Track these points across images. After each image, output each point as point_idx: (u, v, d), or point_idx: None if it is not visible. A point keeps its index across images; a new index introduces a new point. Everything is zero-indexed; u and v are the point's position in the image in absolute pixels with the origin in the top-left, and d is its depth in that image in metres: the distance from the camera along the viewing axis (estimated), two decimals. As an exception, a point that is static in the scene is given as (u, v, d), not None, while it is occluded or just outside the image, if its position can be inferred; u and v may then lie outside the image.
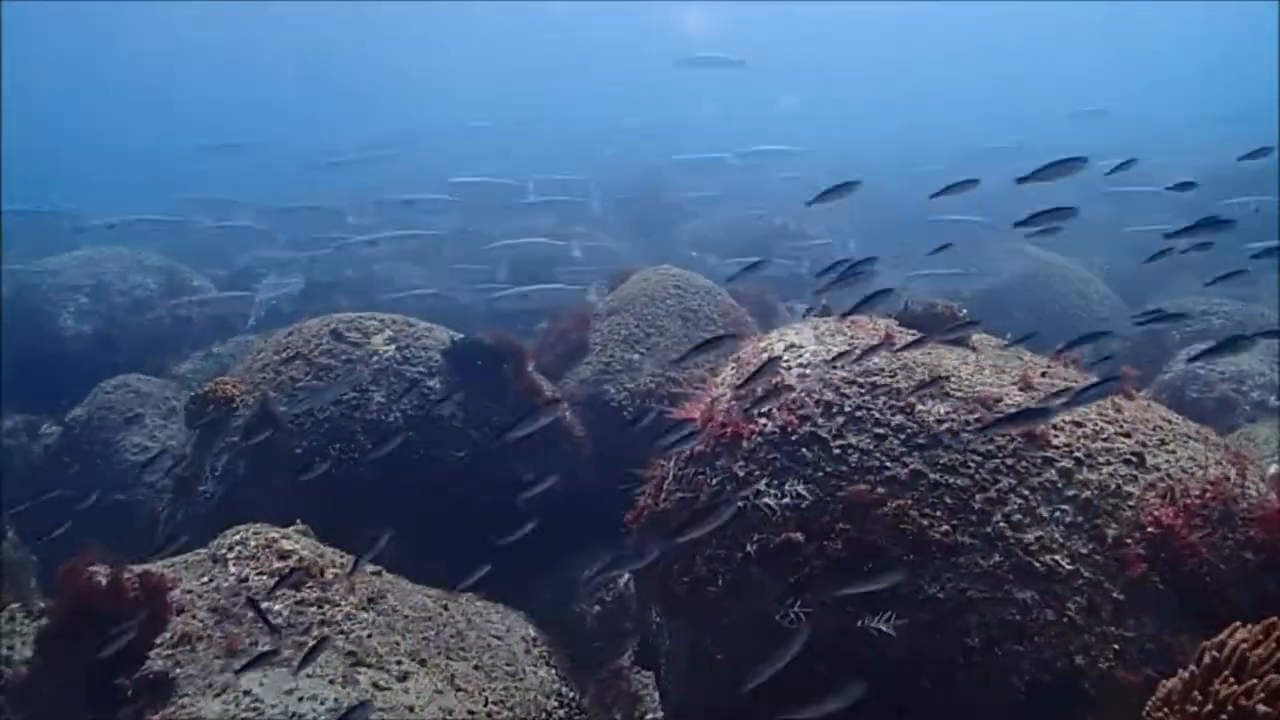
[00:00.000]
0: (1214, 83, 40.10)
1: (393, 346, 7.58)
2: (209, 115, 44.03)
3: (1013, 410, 4.25)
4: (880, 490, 4.08)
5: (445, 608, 5.66)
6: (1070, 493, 4.08)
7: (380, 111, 46.19)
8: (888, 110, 39.90)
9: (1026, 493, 4.07)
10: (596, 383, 8.52)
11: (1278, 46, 32.78)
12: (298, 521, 5.92)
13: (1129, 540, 3.96)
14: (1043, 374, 4.83)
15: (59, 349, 12.11)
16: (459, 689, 4.98)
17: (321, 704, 4.48)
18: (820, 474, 4.20)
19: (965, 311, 5.41)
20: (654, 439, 5.09)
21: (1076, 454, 4.20)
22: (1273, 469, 4.75)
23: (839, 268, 5.44)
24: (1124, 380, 5.04)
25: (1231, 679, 2.74)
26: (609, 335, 8.95)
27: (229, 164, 26.32)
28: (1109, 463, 4.20)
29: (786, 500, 4.17)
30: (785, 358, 4.72)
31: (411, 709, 4.68)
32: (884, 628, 3.84)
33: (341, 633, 5.03)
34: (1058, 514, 4.03)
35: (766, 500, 4.20)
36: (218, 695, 4.55)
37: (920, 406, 4.34)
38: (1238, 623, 2.98)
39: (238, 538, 5.52)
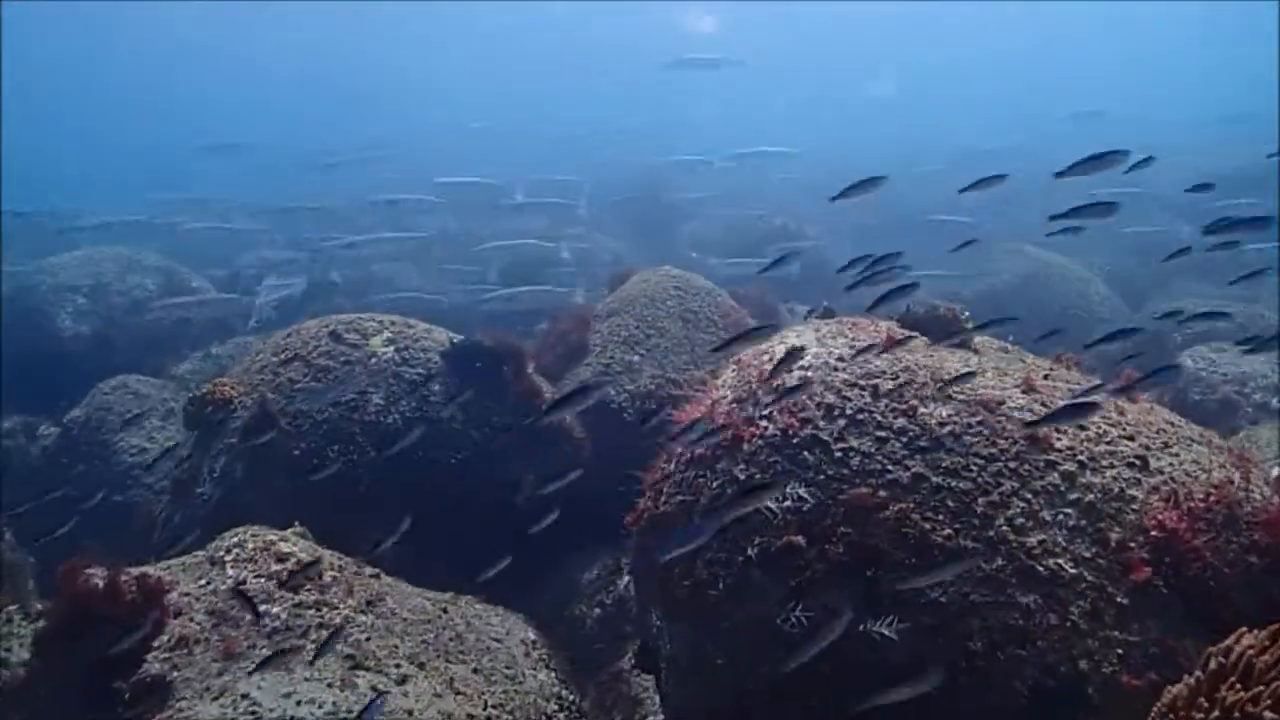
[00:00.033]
0: (1214, 83, 40.10)
1: (392, 348, 7.55)
2: (209, 115, 44.08)
3: (1066, 403, 4.23)
4: (882, 494, 4.05)
5: (444, 610, 5.63)
6: (1073, 496, 4.06)
7: (380, 111, 46.24)
8: (888, 110, 39.91)
9: (1029, 496, 4.05)
10: (596, 384, 8.49)
11: (1278, 46, 32.79)
12: (296, 523, 5.89)
13: (1132, 544, 3.93)
14: (1045, 376, 4.80)
15: (57, 349, 12.09)
16: (458, 692, 4.96)
17: (320, 707, 4.45)
18: (822, 477, 4.17)
19: (967, 313, 5.38)
20: (655, 441, 5.08)
21: (1080, 457, 4.18)
22: (1276, 472, 4.73)
23: (860, 264, 5.40)
24: (1126, 381, 5.03)
25: (1238, 685, 2.72)
26: (609, 337, 8.93)
27: (228, 164, 26.31)
28: (1112, 466, 4.18)
29: (788, 503, 4.14)
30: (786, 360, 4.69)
31: (410, 713, 4.65)
32: (886, 631, 3.81)
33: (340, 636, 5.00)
34: (1061, 517, 4.00)
35: (768, 503, 4.17)
36: (215, 699, 4.52)
37: (922, 409, 4.31)
38: (1244, 628, 2.95)
39: (235, 540, 5.49)
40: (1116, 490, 4.09)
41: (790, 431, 4.34)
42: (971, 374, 4.49)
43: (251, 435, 6.97)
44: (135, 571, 5.14)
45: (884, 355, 4.62)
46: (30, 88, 46.98)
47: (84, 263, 13.22)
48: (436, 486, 7.00)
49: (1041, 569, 3.86)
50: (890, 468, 4.13)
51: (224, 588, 5.12)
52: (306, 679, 4.65)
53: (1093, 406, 4.17)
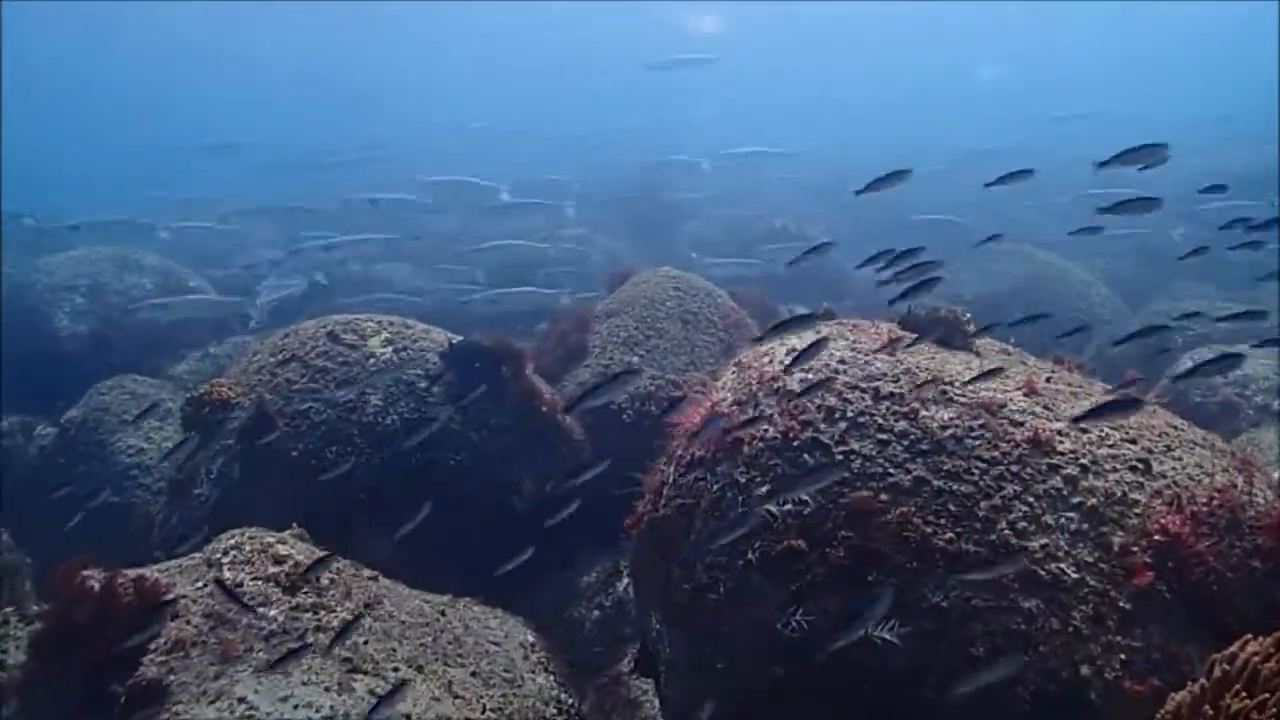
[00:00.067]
0: (1213, 83, 40.09)
1: (390, 349, 7.52)
2: (209, 115, 44.06)
3: (1110, 399, 4.22)
4: (884, 497, 4.02)
5: (443, 613, 5.61)
6: (1076, 500, 4.03)
7: (380, 111, 46.22)
8: (888, 110, 39.90)
9: (1031, 500, 4.02)
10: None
11: (1278, 46, 32.77)
12: (294, 525, 5.87)
13: (1135, 548, 3.90)
14: (1047, 379, 4.78)
15: (55, 349, 12.06)
16: (456, 696, 4.93)
17: (317, 712, 4.43)
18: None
19: (968, 315, 5.35)
20: (654, 443, 5.05)
21: (1082, 460, 4.15)
22: (1278, 475, 4.70)
23: (883, 257, 5.37)
24: (1130, 385, 5.01)
25: (1243, 693, 2.69)
26: (608, 338, 8.90)
27: (228, 164, 26.29)
28: (1115, 469, 4.15)
29: (788, 507, 4.11)
30: (787, 362, 4.66)
31: (409, 717, 4.62)
32: (887, 636, 3.79)
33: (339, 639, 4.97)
34: (1063, 521, 3.97)
35: (768, 507, 4.14)
36: (212, 702, 4.50)
37: (924, 412, 4.28)
38: (1249, 635, 2.93)
39: (233, 542, 5.47)
40: (1119, 494, 4.06)
41: (791, 434, 4.32)
42: (999, 370, 4.49)
43: (249, 436, 6.94)
44: (132, 574, 5.11)
45: (885, 357, 4.59)
46: (30, 88, 46.92)
47: (80, 262, 13.18)
48: (435, 488, 6.95)
49: (1044, 573, 3.83)
50: (892, 471, 4.11)
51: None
52: (304, 683, 4.62)
53: (1138, 403, 4.15)
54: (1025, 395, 4.48)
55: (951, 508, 3.99)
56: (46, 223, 16.20)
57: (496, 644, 5.56)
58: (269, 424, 6.88)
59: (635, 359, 8.58)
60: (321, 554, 5.59)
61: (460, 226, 18.55)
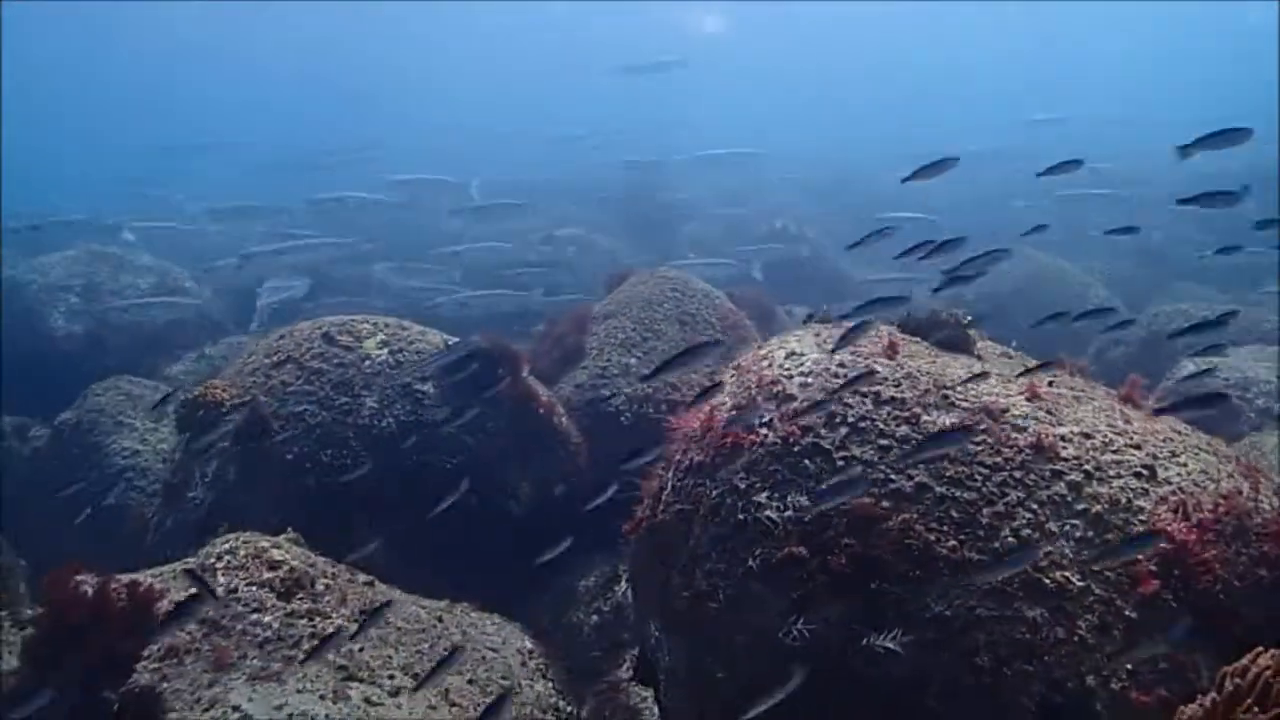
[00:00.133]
0: (1213, 83, 40.05)
1: (385, 350, 7.46)
2: (209, 115, 44.03)
3: (1193, 395, 4.18)
4: (885, 504, 3.96)
5: (440, 619, 5.55)
6: (1080, 507, 3.97)
7: (380, 111, 46.18)
8: (888, 110, 39.88)
9: (1035, 507, 3.96)
10: (593, 387, 8.41)
11: (1278, 46, 32.73)
12: (289, 529, 5.81)
13: (1141, 556, 3.84)
14: (1049, 383, 4.72)
15: (50, 349, 12.01)
16: (453, 704, 4.87)
17: (311, 720, 4.37)
18: (824, 486, 4.08)
19: (969, 318, 5.30)
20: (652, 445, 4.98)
21: (1086, 466, 4.09)
22: (1284, 480, 4.64)
23: (924, 248, 5.31)
24: (1132, 388, 4.94)
25: (1255, 708, 2.63)
26: (606, 339, 8.85)
27: (225, 165, 26.25)
28: (1119, 476, 4.09)
29: (789, 513, 4.06)
30: (786, 366, 4.60)
31: (403, 725, 4.57)
32: (890, 645, 3.73)
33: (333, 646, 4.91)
34: (1068, 529, 3.91)
35: (768, 513, 4.08)
36: (206, 710, 4.44)
37: (925, 417, 4.23)
38: (1260, 648, 2.87)
39: (227, 547, 5.40)
40: (1124, 501, 4.00)
41: (791, 439, 4.26)
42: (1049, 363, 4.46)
43: (244, 439, 6.88)
44: (125, 579, 5.05)
45: (886, 361, 4.53)
46: (30, 88, 46.86)
47: (75, 262, 13.12)
48: (431, 491, 6.89)
49: (1048, 581, 3.78)
50: (893, 477, 4.05)
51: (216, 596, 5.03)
52: (298, 690, 4.57)
53: (1221, 398, 4.10)
54: (1028, 400, 4.42)
55: (954, 514, 3.94)
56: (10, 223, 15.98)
57: (494, 650, 5.50)
58: (264, 426, 6.82)
59: (633, 361, 8.53)
60: (317, 559, 5.54)
61: (461, 227, 18.49)
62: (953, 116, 33.59)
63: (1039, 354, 5.42)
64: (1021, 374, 4.69)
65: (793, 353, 4.71)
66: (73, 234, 14.93)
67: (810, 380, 4.47)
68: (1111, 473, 4.09)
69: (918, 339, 5.01)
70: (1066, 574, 3.79)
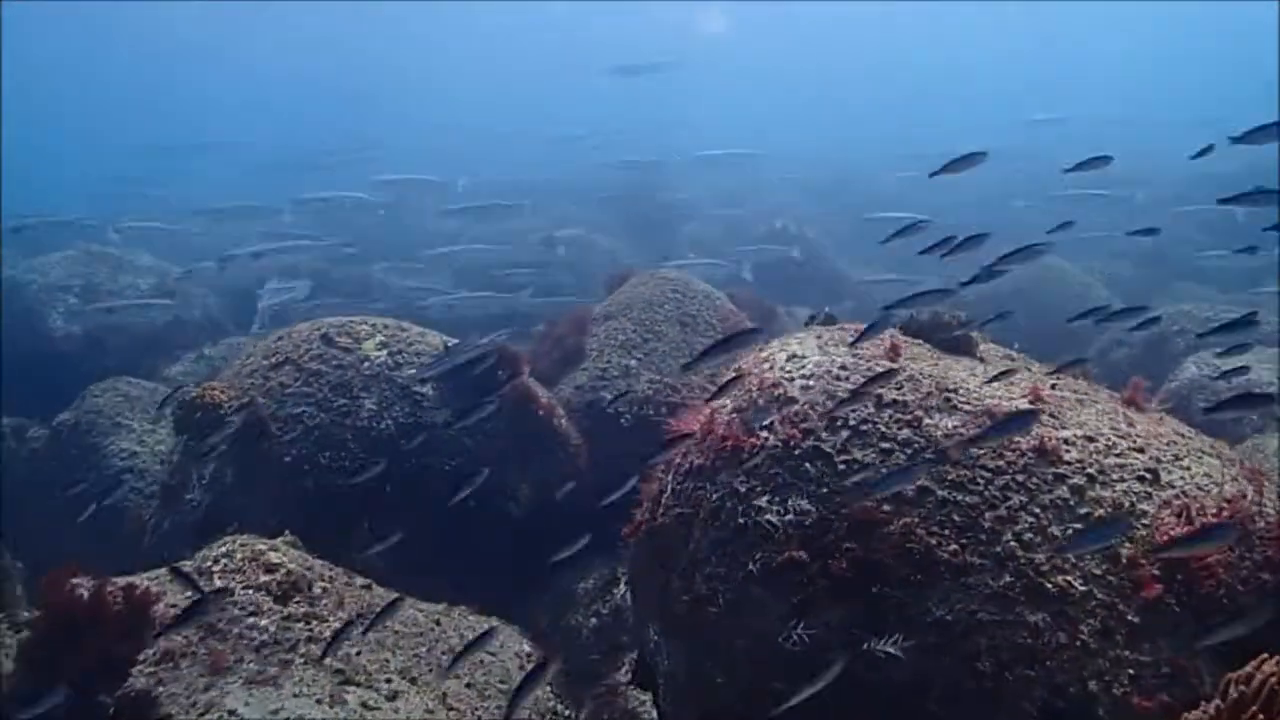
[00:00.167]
0: (1213, 84, 40.03)
1: (384, 352, 7.42)
2: (209, 115, 44.00)
3: (1246, 392, 4.15)
4: (886, 508, 3.93)
5: (437, 623, 5.52)
6: (1083, 511, 3.94)
7: (380, 111, 46.16)
8: (888, 110, 39.87)
9: (1038, 510, 3.93)
10: (593, 389, 8.38)
11: (1278, 46, 32.70)
12: (286, 532, 5.78)
13: (1143, 561, 3.81)
14: (1052, 386, 4.69)
15: (49, 349, 11.99)
16: (451, 708, 4.84)
17: (308, 725, 4.34)
18: (824, 490, 4.05)
19: (970, 320, 5.26)
20: (653, 449, 4.95)
21: (1089, 470, 4.06)
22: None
23: (948, 244, 5.29)
24: (1135, 390, 4.91)
25: (1260, 716, 2.60)
26: (606, 341, 8.82)
27: (226, 164, 26.23)
28: (1122, 479, 4.06)
29: (790, 517, 4.02)
30: (787, 368, 4.57)
31: (401, 729, 4.54)
32: (891, 649, 3.70)
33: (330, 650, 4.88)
34: (1070, 533, 3.88)
35: (769, 517, 4.05)
36: (202, 714, 4.42)
37: (928, 420, 4.19)
38: (1265, 655, 2.84)
39: (224, 550, 5.38)
40: (1127, 505, 3.97)
41: (792, 442, 4.22)
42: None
43: (242, 440, 6.85)
44: (121, 582, 5.02)
45: (887, 363, 4.50)
46: (30, 88, 46.83)
47: (75, 262, 13.09)
48: (429, 494, 6.86)
49: (1050, 586, 3.75)
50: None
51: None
52: (295, 695, 4.54)
53: (1268, 398, 4.07)
54: (1030, 403, 4.39)
55: (956, 518, 3.90)
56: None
57: (492, 654, 5.48)
58: (262, 428, 6.79)
59: (633, 362, 8.50)
60: (314, 562, 5.52)
61: (458, 227, 18.47)
62: (953, 116, 33.55)
63: (1040, 356, 5.40)
64: (1052, 371, 4.75)
65: (794, 355, 4.67)
66: (56, 234, 14.87)
67: (812, 383, 4.44)
68: (1114, 476, 4.07)
69: (919, 341, 4.98)
70: (1068, 578, 3.76)
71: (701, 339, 8.83)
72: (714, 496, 4.30)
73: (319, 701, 4.52)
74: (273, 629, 4.91)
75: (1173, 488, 4.08)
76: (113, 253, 13.61)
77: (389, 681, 4.82)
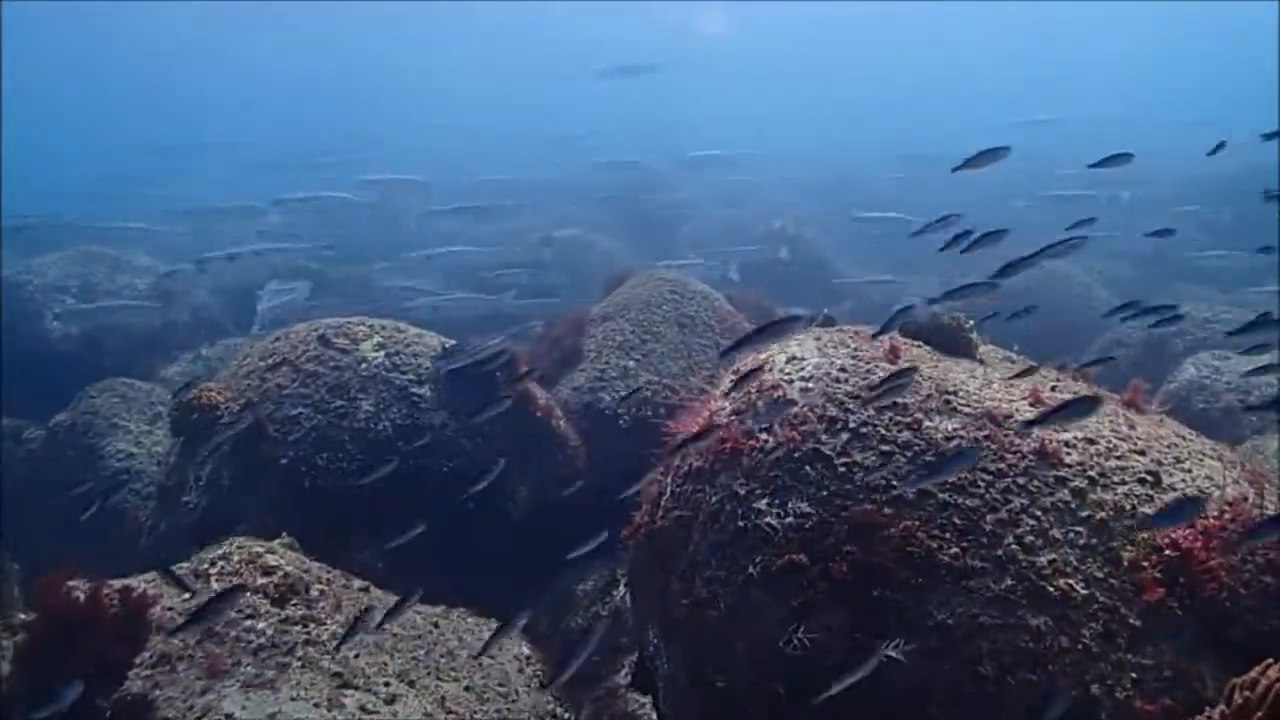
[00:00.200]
0: (1214, 84, 40.02)
1: (382, 353, 7.39)
2: (208, 115, 44.00)
3: None
4: (887, 511, 3.91)
5: (436, 625, 5.50)
6: (1084, 514, 3.91)
7: (380, 111, 46.14)
8: (888, 110, 39.85)
9: (1039, 513, 3.91)
10: (591, 390, 8.36)
11: (1278, 46, 32.70)
12: (283, 534, 5.75)
13: (1145, 563, 3.78)
14: (1052, 388, 4.66)
15: (46, 350, 11.96)
16: (449, 711, 4.82)
17: (305, 729, 4.32)
18: (824, 493, 4.03)
19: (970, 322, 5.24)
20: (652, 450, 4.93)
21: (1090, 473, 4.03)
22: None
23: (966, 239, 5.27)
24: (1135, 393, 4.89)
25: (1264, 722, 2.58)
26: (604, 342, 8.79)
27: (225, 164, 26.20)
28: (1124, 482, 4.04)
29: (789, 520, 4.00)
30: (787, 370, 4.55)
31: (399, 733, 4.52)
32: (892, 654, 3.67)
33: (327, 653, 4.86)
34: (1071, 536, 3.86)
35: (768, 520, 4.03)
36: (199, 718, 4.39)
37: (928, 423, 4.17)
38: (1269, 659, 2.81)
39: (221, 552, 5.36)
40: (1128, 507, 3.94)
41: (791, 445, 4.20)
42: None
43: (239, 442, 6.82)
44: (118, 585, 5.00)
45: (888, 366, 4.48)
46: (30, 88, 46.81)
47: (72, 262, 13.06)
48: (428, 496, 6.84)
49: (1052, 589, 3.72)
50: (895, 483, 3.99)
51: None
52: (292, 698, 4.51)
53: None
54: (1031, 405, 4.37)
55: (957, 521, 3.88)
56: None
57: (490, 657, 5.45)
58: (259, 430, 6.76)
59: (631, 363, 8.47)
60: (312, 565, 5.49)
61: (459, 227, 18.44)
62: (953, 116, 33.53)
63: (1039, 357, 5.37)
64: (1081, 366, 4.81)
65: (793, 357, 4.65)
66: (39, 236, 14.85)
67: (811, 385, 4.41)
68: (1115, 479, 4.04)
69: (919, 343, 4.95)
70: (1070, 581, 3.74)
71: (700, 340, 8.81)
72: (713, 499, 4.28)
73: (316, 705, 4.49)
74: (270, 632, 4.89)
75: (1174, 490, 4.05)
76: (110, 253, 13.57)
77: (387, 685, 4.80)
